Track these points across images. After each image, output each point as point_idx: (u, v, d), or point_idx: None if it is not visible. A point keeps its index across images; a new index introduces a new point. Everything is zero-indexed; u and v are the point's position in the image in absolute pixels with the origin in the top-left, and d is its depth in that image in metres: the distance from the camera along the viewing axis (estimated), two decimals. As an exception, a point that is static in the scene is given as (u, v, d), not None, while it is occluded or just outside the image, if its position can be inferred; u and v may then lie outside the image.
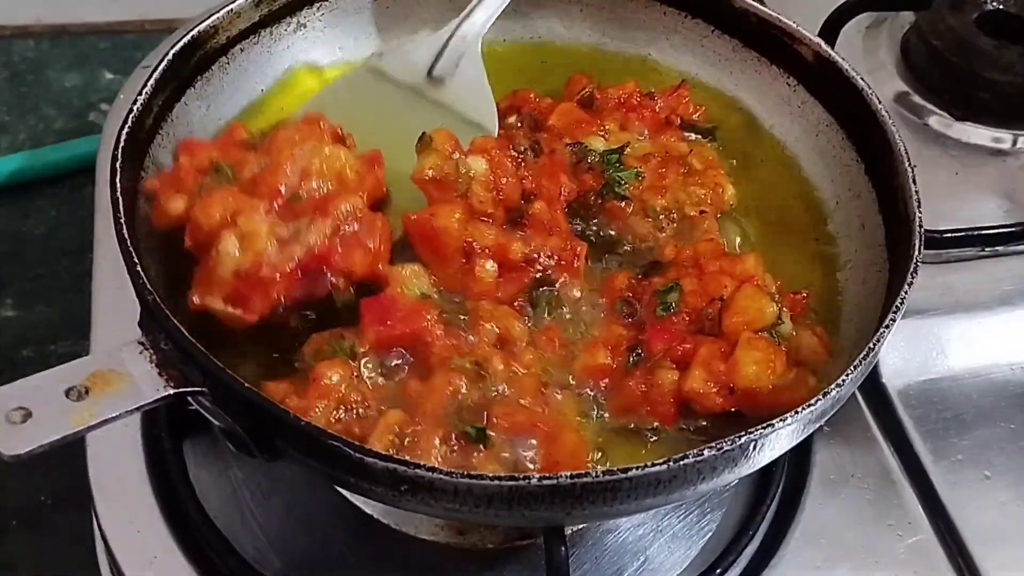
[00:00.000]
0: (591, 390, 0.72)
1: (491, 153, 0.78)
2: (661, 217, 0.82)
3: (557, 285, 0.76)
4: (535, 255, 0.75)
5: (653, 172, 0.84)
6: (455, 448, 0.66)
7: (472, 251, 0.74)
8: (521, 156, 0.81)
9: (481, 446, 0.66)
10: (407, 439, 0.66)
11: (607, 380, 0.72)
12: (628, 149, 0.85)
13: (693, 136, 0.90)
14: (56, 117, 1.40)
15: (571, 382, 0.73)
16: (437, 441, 0.66)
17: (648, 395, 0.71)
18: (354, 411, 0.68)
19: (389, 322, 0.70)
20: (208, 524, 0.82)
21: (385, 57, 0.91)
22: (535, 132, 0.86)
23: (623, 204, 0.82)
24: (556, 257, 0.76)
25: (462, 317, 0.73)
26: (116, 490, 0.84)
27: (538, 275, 0.76)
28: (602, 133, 0.86)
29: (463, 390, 0.68)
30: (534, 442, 0.67)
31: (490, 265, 0.74)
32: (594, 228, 0.82)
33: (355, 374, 0.69)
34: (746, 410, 0.71)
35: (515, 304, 0.75)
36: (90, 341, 0.93)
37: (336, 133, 0.80)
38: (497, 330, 0.71)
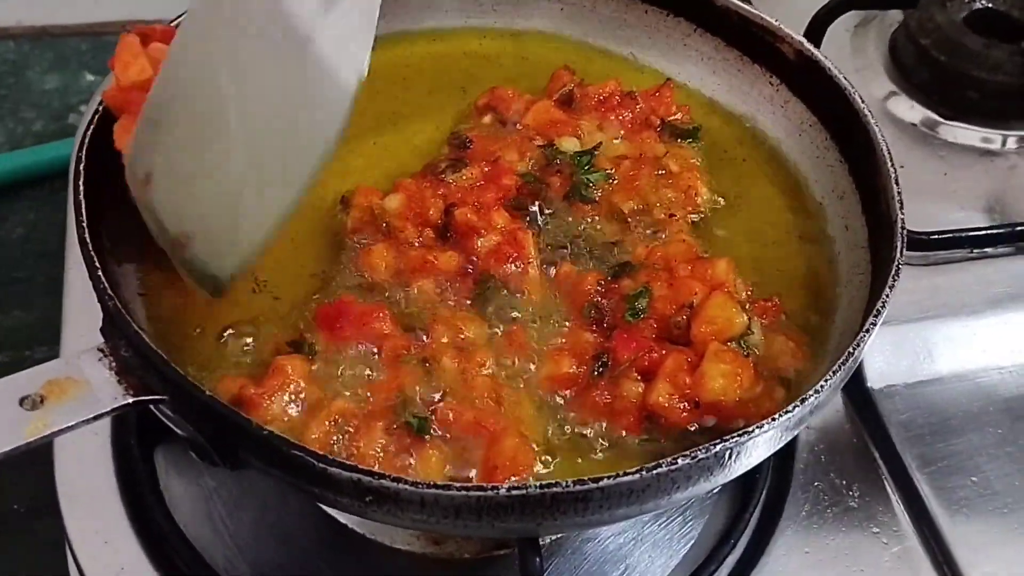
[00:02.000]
0: (551, 398, 0.71)
1: (407, 188, 0.79)
2: (628, 220, 0.80)
3: (505, 279, 0.75)
4: (470, 259, 0.76)
5: (624, 174, 0.83)
6: (395, 438, 0.66)
7: (408, 275, 0.75)
8: (441, 175, 0.81)
9: (423, 437, 0.66)
10: (348, 428, 0.66)
11: (570, 390, 0.71)
12: (601, 150, 0.84)
13: (678, 139, 0.88)
14: (35, 119, 1.38)
15: (532, 387, 0.71)
16: (378, 431, 0.65)
17: (612, 406, 0.69)
18: (309, 404, 0.67)
19: (341, 326, 0.70)
20: (177, 534, 0.80)
21: None
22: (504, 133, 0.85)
23: (589, 207, 0.81)
24: (496, 253, 0.76)
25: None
26: (84, 499, 0.82)
27: (480, 276, 0.75)
28: (578, 134, 0.85)
29: (411, 385, 0.68)
30: (476, 442, 0.66)
31: (426, 284, 0.75)
32: (562, 230, 0.80)
33: (311, 368, 0.69)
34: (712, 423, 0.69)
35: (467, 305, 0.74)
36: (60, 345, 0.91)
37: None
38: (450, 332, 0.71)
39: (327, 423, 0.66)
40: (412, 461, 0.65)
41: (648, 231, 0.81)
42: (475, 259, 0.76)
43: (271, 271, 0.76)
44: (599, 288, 0.75)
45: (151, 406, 0.64)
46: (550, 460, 0.68)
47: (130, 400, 0.62)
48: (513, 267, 0.75)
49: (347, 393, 0.68)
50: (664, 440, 0.69)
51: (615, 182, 0.82)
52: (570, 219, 0.81)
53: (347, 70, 0.69)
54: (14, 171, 1.29)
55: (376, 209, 0.79)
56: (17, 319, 1.17)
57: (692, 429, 0.69)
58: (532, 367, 0.72)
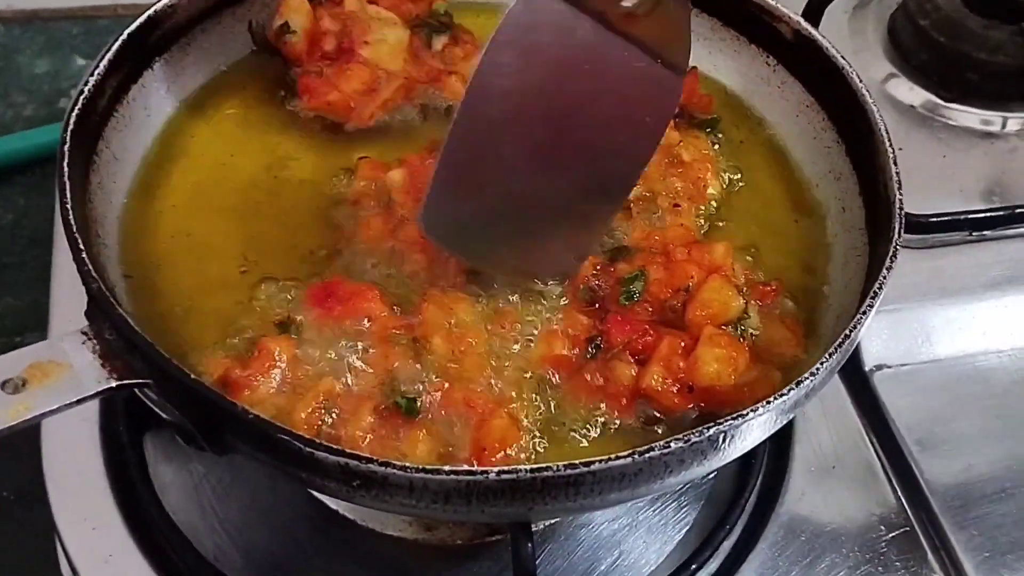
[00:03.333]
0: (544, 379, 0.70)
1: (412, 164, 0.78)
2: (632, 207, 0.79)
3: None
4: None
5: None
6: (383, 419, 0.65)
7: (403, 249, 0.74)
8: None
9: (412, 418, 0.65)
10: (335, 410, 0.65)
11: (563, 371, 0.70)
12: None
13: (695, 129, 0.87)
14: (26, 104, 1.37)
15: (524, 368, 0.70)
16: (366, 413, 0.65)
17: (604, 389, 0.69)
18: (295, 386, 0.66)
19: (330, 306, 0.69)
20: (166, 520, 0.79)
21: None
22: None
23: None
24: None
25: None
26: (72, 485, 0.82)
27: None
28: None
29: (400, 366, 0.67)
30: (465, 423, 0.66)
31: (419, 260, 0.74)
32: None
33: (297, 349, 0.68)
34: (705, 408, 0.68)
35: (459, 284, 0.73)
36: (48, 331, 0.90)
37: None
38: (441, 312, 0.70)
39: (314, 405, 0.65)
40: (402, 444, 0.64)
41: (650, 217, 0.79)
42: None
43: (260, 251, 0.75)
44: (595, 271, 0.74)
45: (136, 390, 0.62)
46: (541, 442, 0.67)
47: (114, 384, 0.61)
48: None
49: (335, 374, 0.67)
50: (658, 425, 0.68)
51: None
52: None
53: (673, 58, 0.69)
54: (4, 156, 1.27)
55: (379, 182, 0.78)
56: (7, 305, 1.16)
57: (687, 414, 0.68)
58: (523, 348, 0.70)
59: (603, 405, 0.69)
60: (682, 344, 0.69)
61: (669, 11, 0.69)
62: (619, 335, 0.70)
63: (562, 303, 0.73)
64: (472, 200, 0.69)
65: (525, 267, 0.73)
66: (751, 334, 0.71)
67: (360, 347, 0.69)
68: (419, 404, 0.66)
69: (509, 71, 0.66)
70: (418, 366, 0.68)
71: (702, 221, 0.81)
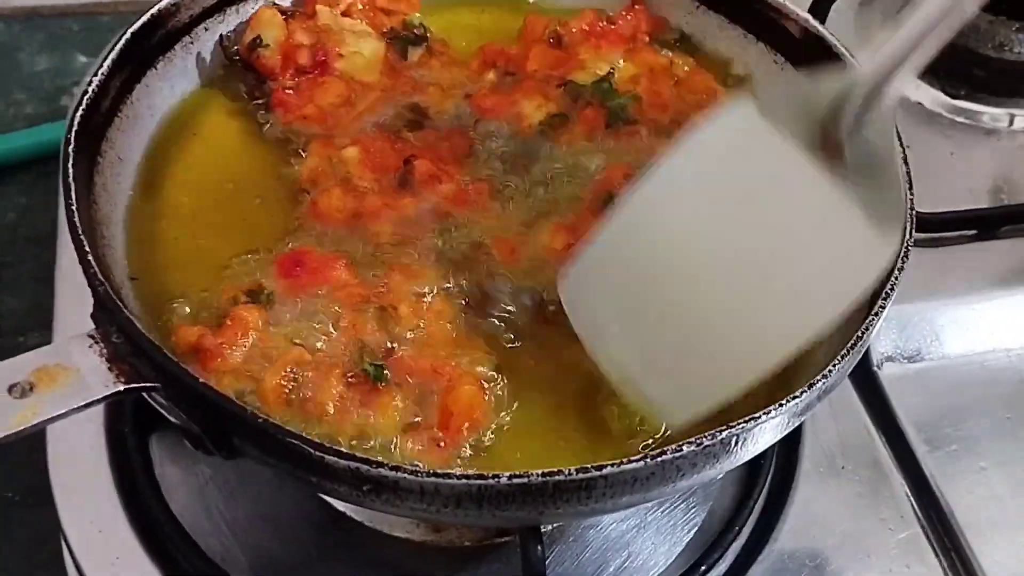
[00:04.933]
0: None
1: (366, 141, 0.80)
2: (676, 134, 0.80)
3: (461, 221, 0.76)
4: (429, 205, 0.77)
5: (647, 91, 0.84)
6: (352, 387, 0.66)
7: (363, 214, 0.76)
8: (397, 136, 0.82)
9: (379, 385, 0.66)
10: (304, 378, 0.66)
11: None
12: (615, 76, 0.85)
13: (669, 49, 0.90)
14: (27, 101, 1.36)
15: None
16: (335, 380, 0.65)
17: None
18: (265, 354, 0.67)
19: (299, 275, 0.70)
20: (173, 522, 0.79)
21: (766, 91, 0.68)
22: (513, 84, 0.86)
23: (634, 127, 0.82)
24: (453, 199, 0.77)
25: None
26: (78, 487, 0.81)
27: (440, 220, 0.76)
28: (584, 67, 0.86)
29: (367, 333, 0.68)
30: (433, 390, 0.67)
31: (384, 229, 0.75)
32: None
33: (267, 317, 0.69)
34: None
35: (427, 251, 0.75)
36: (52, 332, 0.90)
37: None
38: (408, 280, 0.71)
39: (284, 373, 0.65)
40: (370, 412, 0.65)
41: None
42: (435, 205, 0.76)
43: (265, 247, 0.75)
44: (623, 180, 0.76)
45: (143, 393, 0.62)
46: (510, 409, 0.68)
47: (121, 387, 0.60)
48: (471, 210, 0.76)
49: (304, 343, 0.68)
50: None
51: (644, 100, 0.83)
52: (617, 145, 0.81)
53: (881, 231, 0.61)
54: (5, 154, 1.27)
55: (334, 159, 0.79)
56: (8, 305, 1.16)
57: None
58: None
59: None
60: None
61: (873, 136, 0.62)
62: None
63: (581, 202, 0.76)
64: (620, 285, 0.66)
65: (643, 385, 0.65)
66: None
67: (328, 316, 0.69)
68: (386, 372, 0.66)
69: (691, 176, 0.63)
70: (386, 333, 0.69)
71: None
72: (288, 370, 0.66)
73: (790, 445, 0.87)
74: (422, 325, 0.70)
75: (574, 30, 0.89)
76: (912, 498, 0.85)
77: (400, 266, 0.72)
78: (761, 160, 0.64)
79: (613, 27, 0.89)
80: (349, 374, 0.67)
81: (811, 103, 0.63)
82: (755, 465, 0.84)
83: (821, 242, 0.63)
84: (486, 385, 0.68)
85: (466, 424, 0.66)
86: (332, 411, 0.65)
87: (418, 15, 0.90)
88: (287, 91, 0.84)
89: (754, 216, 0.64)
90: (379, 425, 0.65)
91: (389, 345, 0.68)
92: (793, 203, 0.63)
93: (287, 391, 0.65)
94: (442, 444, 0.66)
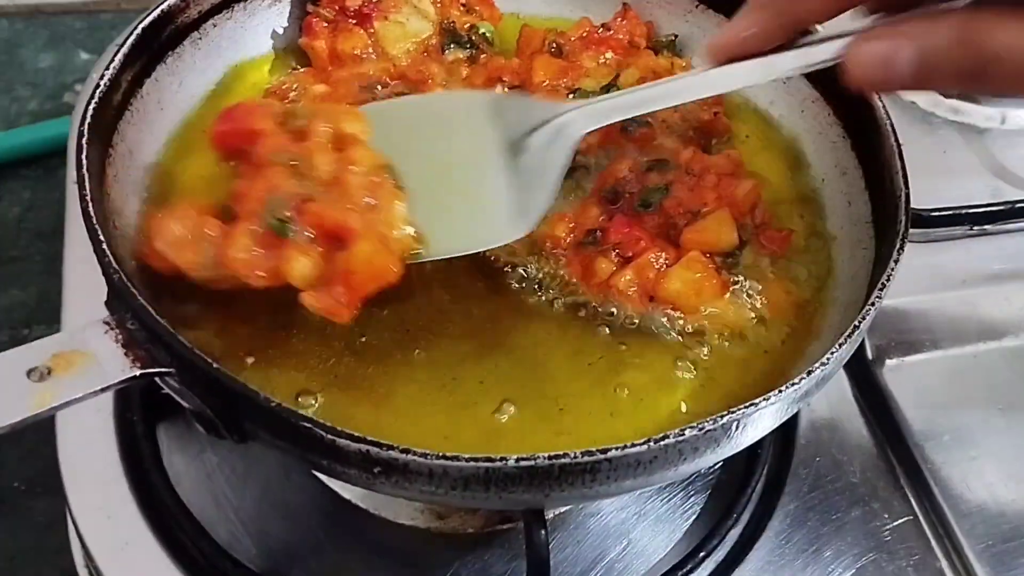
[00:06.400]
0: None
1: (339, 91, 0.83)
2: (687, 132, 0.84)
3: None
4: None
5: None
6: (260, 239, 0.66)
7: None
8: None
9: (285, 238, 0.65)
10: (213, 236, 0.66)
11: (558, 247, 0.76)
12: (620, 81, 0.86)
13: (668, 52, 0.92)
14: (30, 98, 1.37)
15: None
16: (243, 236, 0.66)
17: (582, 274, 0.74)
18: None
19: (230, 120, 0.72)
20: (181, 508, 0.80)
21: (505, 100, 0.80)
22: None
23: (648, 129, 0.83)
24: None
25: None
26: (87, 475, 0.82)
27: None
28: (588, 75, 0.87)
29: (281, 186, 0.68)
30: (339, 245, 0.66)
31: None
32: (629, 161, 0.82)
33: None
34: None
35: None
36: (61, 323, 0.91)
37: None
38: (331, 129, 0.71)
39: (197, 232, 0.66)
40: (278, 264, 0.65)
41: (701, 136, 0.85)
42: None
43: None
44: (629, 173, 0.78)
45: (157, 378, 0.63)
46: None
47: (137, 372, 0.62)
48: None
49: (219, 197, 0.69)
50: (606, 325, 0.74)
51: None
52: (633, 147, 0.83)
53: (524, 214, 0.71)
54: (9, 150, 1.28)
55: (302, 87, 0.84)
56: (14, 298, 1.17)
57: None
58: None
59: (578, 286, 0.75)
60: (665, 259, 0.73)
61: (547, 158, 0.73)
62: (616, 235, 0.75)
63: (585, 194, 0.78)
64: None
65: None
66: (741, 273, 0.75)
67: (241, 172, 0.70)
68: (290, 225, 0.66)
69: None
70: (298, 186, 0.68)
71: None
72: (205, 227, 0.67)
73: (787, 436, 0.88)
74: (336, 177, 0.69)
75: (573, 39, 0.90)
76: (906, 486, 0.87)
77: (324, 115, 0.72)
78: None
79: (610, 33, 0.91)
80: (259, 229, 0.66)
81: (525, 118, 0.74)
82: (753, 455, 0.86)
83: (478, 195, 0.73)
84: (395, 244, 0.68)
85: (370, 283, 0.65)
86: (242, 266, 0.65)
87: (492, 28, 0.92)
88: (320, 20, 0.86)
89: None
90: (289, 277, 0.65)
91: (300, 197, 0.67)
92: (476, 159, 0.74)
93: (202, 252, 0.66)
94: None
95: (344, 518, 0.83)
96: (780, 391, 0.63)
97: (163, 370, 0.62)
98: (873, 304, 0.68)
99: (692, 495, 0.86)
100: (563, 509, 0.83)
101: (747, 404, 0.61)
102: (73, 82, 1.40)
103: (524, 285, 0.75)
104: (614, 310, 0.74)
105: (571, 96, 0.85)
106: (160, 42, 0.83)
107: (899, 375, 0.93)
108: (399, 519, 0.82)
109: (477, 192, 0.72)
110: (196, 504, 0.82)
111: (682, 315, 0.74)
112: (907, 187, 0.75)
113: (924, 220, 1.00)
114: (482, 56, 0.90)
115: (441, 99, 0.82)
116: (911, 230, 0.73)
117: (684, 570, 0.80)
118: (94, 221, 0.67)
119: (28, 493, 1.01)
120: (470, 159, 0.73)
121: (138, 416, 0.84)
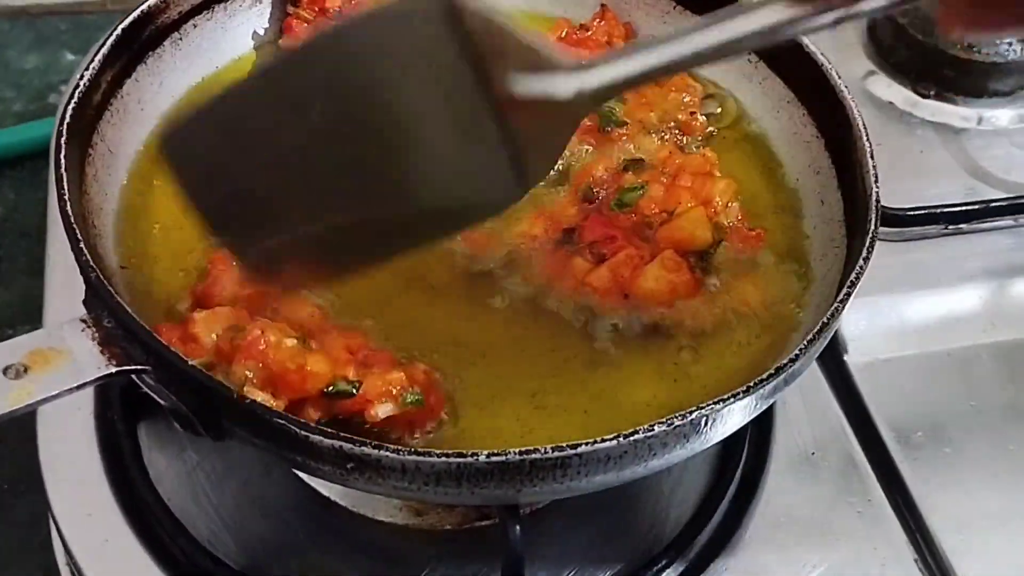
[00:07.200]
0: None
1: None
2: (662, 131, 0.85)
3: None
4: None
5: (632, 93, 0.86)
6: None
7: None
8: None
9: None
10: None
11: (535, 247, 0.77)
12: None
13: None
14: (15, 99, 1.37)
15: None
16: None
17: (558, 272, 0.75)
18: None
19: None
20: (161, 506, 0.81)
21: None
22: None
23: (624, 129, 0.84)
24: None
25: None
26: (67, 473, 0.83)
27: None
28: None
29: None
30: None
31: None
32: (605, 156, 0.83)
33: None
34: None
35: None
36: (42, 322, 0.91)
37: None
38: None
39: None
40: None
41: (677, 137, 0.86)
42: None
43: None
44: (605, 173, 0.79)
45: (134, 376, 0.64)
46: None
47: (113, 370, 0.62)
48: None
49: None
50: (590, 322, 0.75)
51: (628, 101, 0.86)
52: (606, 145, 0.83)
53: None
54: (-6, 150, 1.28)
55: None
56: (-1, 298, 1.17)
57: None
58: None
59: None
60: (640, 258, 0.74)
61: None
62: (592, 234, 0.75)
63: (562, 193, 0.79)
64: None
65: None
66: (715, 274, 0.76)
67: None
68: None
69: None
70: None
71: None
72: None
73: (762, 432, 0.89)
74: None
75: (552, 39, 0.91)
76: (879, 484, 0.88)
77: None
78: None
79: (588, 34, 0.92)
80: None
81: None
82: (728, 451, 0.86)
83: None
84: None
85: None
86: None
87: None
88: (300, 22, 0.88)
89: None
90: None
91: None
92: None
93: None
94: None
95: (324, 515, 0.83)
96: (748, 387, 0.63)
97: (139, 367, 0.63)
98: (843, 301, 0.69)
99: (668, 494, 0.87)
100: (539, 506, 0.84)
101: (715, 400, 0.62)
102: (59, 83, 1.40)
103: (499, 283, 0.76)
104: (589, 308, 0.75)
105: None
106: (140, 43, 0.84)
107: (874, 373, 0.94)
108: (377, 516, 0.83)
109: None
110: (177, 502, 0.82)
111: (657, 312, 0.75)
112: (877, 186, 0.76)
113: (900, 219, 1.01)
114: None
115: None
116: (887, 229, 0.74)
117: (656, 567, 0.80)
118: (72, 220, 0.68)
119: (11, 492, 1.01)
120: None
121: (118, 415, 0.85)
